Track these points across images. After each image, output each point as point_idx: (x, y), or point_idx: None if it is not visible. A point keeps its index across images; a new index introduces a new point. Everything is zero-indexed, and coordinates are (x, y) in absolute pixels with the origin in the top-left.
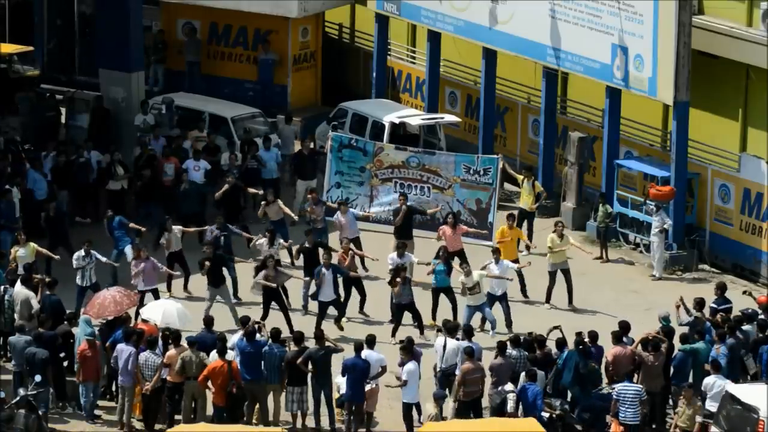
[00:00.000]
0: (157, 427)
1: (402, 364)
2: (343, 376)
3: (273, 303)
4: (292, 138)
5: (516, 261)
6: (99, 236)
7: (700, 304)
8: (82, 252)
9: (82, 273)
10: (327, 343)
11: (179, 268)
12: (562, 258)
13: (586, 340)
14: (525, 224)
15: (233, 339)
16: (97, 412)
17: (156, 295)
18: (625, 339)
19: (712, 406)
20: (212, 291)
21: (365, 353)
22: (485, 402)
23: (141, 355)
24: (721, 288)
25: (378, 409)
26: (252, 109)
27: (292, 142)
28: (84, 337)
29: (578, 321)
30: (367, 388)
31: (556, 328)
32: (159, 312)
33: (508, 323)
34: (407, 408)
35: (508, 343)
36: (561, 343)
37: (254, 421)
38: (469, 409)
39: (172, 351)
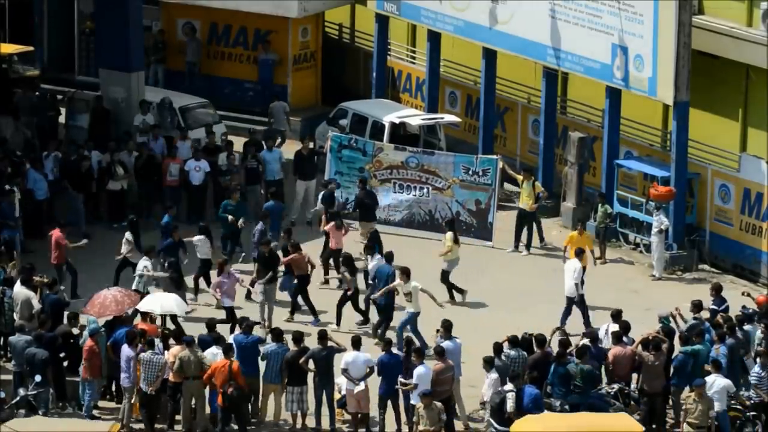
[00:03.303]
0: (158, 426)
1: (410, 368)
2: (379, 375)
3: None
4: (282, 113)
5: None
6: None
7: (697, 306)
8: (148, 261)
9: (139, 279)
10: (330, 343)
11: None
12: (456, 254)
13: (586, 341)
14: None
15: (230, 338)
16: (96, 412)
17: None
18: (625, 339)
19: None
20: (269, 289)
21: (353, 354)
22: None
23: (143, 355)
24: (717, 289)
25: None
26: (200, 99)
27: (282, 118)
28: (89, 334)
29: (578, 321)
30: (356, 389)
31: (559, 329)
32: (157, 303)
33: (586, 323)
34: (413, 410)
35: (506, 343)
36: (565, 343)
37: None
38: (443, 409)
39: (175, 348)
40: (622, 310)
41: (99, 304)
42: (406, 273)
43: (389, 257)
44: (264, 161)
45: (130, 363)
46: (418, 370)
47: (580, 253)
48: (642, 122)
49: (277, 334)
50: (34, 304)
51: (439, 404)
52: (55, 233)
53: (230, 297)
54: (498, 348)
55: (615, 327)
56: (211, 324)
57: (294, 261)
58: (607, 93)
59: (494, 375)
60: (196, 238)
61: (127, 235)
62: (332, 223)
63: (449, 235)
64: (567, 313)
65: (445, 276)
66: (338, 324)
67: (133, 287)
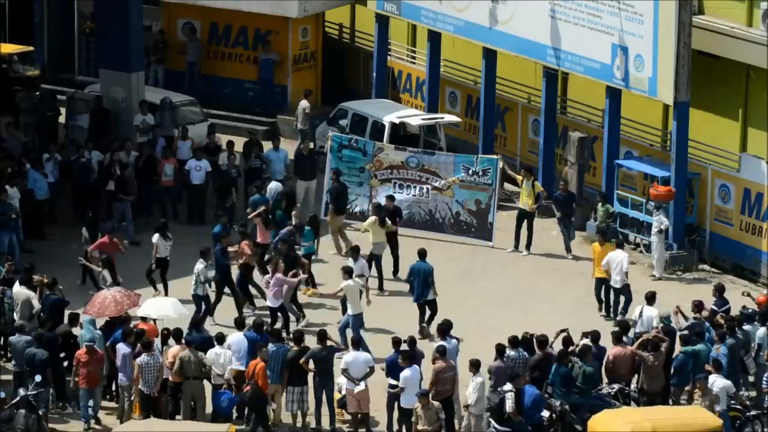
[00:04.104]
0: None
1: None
2: (388, 376)
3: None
4: (302, 113)
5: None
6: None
7: (698, 306)
8: (202, 263)
9: (197, 281)
10: (329, 343)
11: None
12: (381, 238)
13: (587, 340)
14: (525, 224)
15: (231, 338)
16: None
17: (284, 314)
18: (625, 339)
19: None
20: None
21: (353, 354)
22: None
23: (141, 359)
24: (719, 289)
25: (380, 409)
26: (186, 97)
27: (300, 116)
28: (84, 343)
29: (578, 321)
30: (357, 389)
31: (563, 331)
32: (154, 308)
33: (623, 311)
34: (406, 412)
35: (507, 344)
36: (567, 341)
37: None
38: (442, 408)
39: (175, 348)
40: (656, 293)
41: (99, 303)
42: (348, 272)
43: (423, 254)
44: (269, 160)
45: (126, 360)
46: (404, 374)
47: (621, 245)
48: (642, 122)
49: (277, 335)
50: (34, 304)
51: (436, 404)
52: (102, 239)
53: (277, 297)
54: (501, 349)
55: (649, 309)
56: (195, 321)
57: (241, 249)
58: (607, 93)
59: (479, 378)
60: (155, 237)
61: (84, 230)
62: (259, 218)
63: (372, 218)
64: (627, 302)
65: (372, 258)
66: (303, 316)
67: (192, 292)
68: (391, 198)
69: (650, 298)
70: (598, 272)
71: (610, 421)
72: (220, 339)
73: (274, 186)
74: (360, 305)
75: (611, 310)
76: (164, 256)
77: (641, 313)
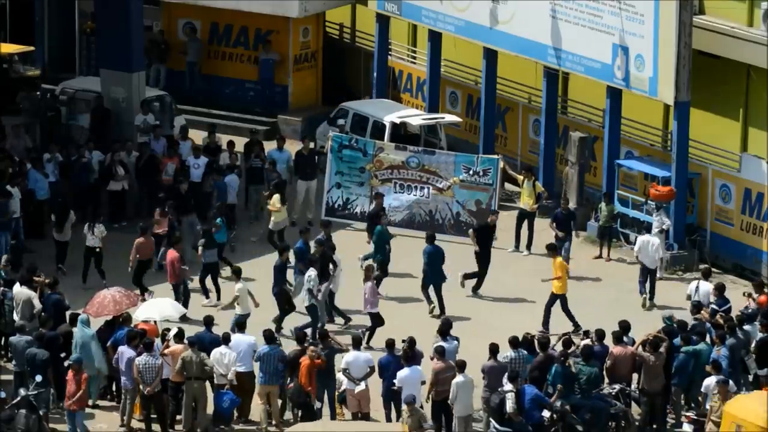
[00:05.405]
0: (155, 427)
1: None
2: (381, 377)
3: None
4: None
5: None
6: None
7: (697, 307)
8: (314, 271)
9: (311, 293)
10: (331, 343)
11: None
12: (282, 216)
13: (589, 340)
14: (525, 224)
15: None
16: (96, 411)
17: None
18: (625, 339)
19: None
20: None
21: (353, 354)
22: (478, 403)
23: (139, 359)
24: (720, 289)
25: (380, 409)
26: (159, 91)
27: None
28: (72, 362)
29: (579, 321)
30: (357, 389)
31: (565, 335)
32: (155, 310)
33: (651, 293)
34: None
35: (507, 344)
36: (568, 342)
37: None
38: (441, 409)
39: (177, 347)
40: (711, 268)
41: (98, 303)
42: (237, 273)
43: (431, 238)
44: (272, 160)
45: (131, 364)
46: (401, 374)
47: (657, 231)
48: (643, 122)
49: (269, 336)
50: (36, 304)
51: (421, 411)
52: (171, 254)
53: (373, 304)
54: (494, 349)
55: (705, 284)
56: (208, 320)
57: (139, 244)
58: (608, 93)
59: (460, 378)
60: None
61: (52, 216)
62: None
63: (276, 197)
64: (652, 284)
65: (270, 234)
66: (207, 296)
67: (305, 303)
68: (494, 213)
69: (706, 274)
70: (557, 288)
71: (749, 405)
72: (227, 339)
73: (233, 179)
74: (248, 306)
75: (643, 291)
76: (92, 245)
77: (698, 287)
